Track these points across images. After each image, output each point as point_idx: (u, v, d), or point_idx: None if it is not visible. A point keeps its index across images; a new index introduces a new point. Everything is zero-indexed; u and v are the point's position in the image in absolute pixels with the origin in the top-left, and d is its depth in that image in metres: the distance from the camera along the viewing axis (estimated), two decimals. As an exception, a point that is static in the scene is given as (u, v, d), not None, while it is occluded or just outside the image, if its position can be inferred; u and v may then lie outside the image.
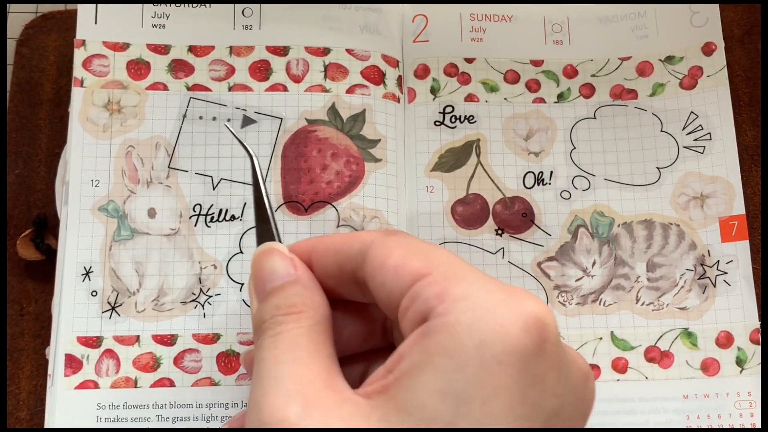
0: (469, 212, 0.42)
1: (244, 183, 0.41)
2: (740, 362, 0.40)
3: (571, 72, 0.44)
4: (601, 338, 0.41)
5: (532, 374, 0.23)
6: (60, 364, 0.38)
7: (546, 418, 0.23)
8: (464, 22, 0.45)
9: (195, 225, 0.40)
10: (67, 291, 0.39)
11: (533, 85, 0.44)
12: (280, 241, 0.30)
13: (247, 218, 0.40)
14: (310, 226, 0.40)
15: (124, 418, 0.38)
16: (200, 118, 0.41)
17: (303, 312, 0.27)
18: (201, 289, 0.39)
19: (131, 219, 0.40)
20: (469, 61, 0.44)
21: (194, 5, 0.43)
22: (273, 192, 0.41)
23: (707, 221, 0.42)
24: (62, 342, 0.38)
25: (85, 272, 0.39)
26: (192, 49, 0.42)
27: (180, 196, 0.40)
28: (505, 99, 0.44)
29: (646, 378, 0.40)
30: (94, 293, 0.39)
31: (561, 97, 0.44)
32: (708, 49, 0.44)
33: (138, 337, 0.39)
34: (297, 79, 0.42)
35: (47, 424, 0.38)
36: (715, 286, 0.41)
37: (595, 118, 0.44)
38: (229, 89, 0.42)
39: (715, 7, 0.44)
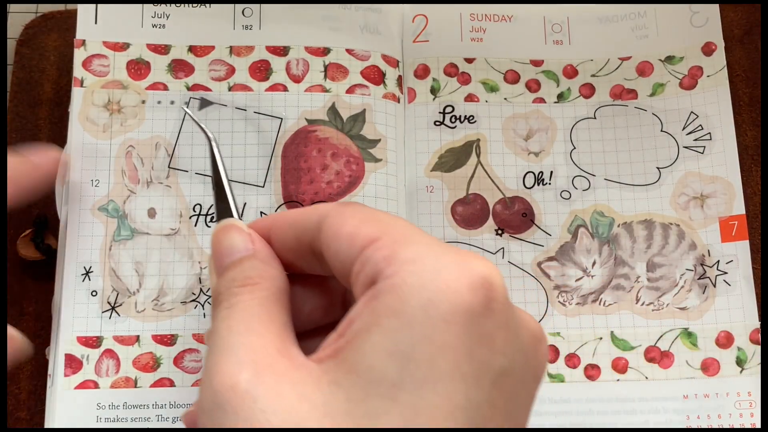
0: (469, 212, 0.42)
1: (244, 183, 0.41)
2: (740, 362, 0.40)
3: (571, 72, 0.44)
4: (601, 338, 0.41)
5: (479, 333, 0.23)
6: (60, 364, 0.38)
7: (494, 377, 0.23)
8: (464, 22, 0.45)
9: (195, 225, 0.40)
10: (67, 291, 0.39)
11: (533, 85, 0.44)
12: (240, 218, 0.30)
13: (247, 219, 0.40)
14: (310, 226, 0.40)
15: (124, 418, 0.38)
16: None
17: (258, 284, 0.27)
18: (201, 289, 0.39)
19: (131, 219, 0.40)
20: (469, 61, 0.44)
21: (194, 5, 0.43)
22: (273, 192, 0.41)
23: (707, 221, 0.42)
24: (62, 342, 0.38)
25: (85, 272, 0.39)
26: (192, 49, 0.42)
27: (180, 196, 0.40)
28: (505, 99, 0.44)
29: (646, 378, 0.40)
30: (94, 293, 0.39)
31: (561, 97, 0.44)
32: (708, 49, 0.44)
33: (138, 337, 0.39)
34: (297, 79, 0.42)
35: (47, 424, 0.38)
36: (715, 286, 0.41)
37: (595, 118, 0.44)
38: (229, 89, 0.42)
39: (715, 7, 0.44)
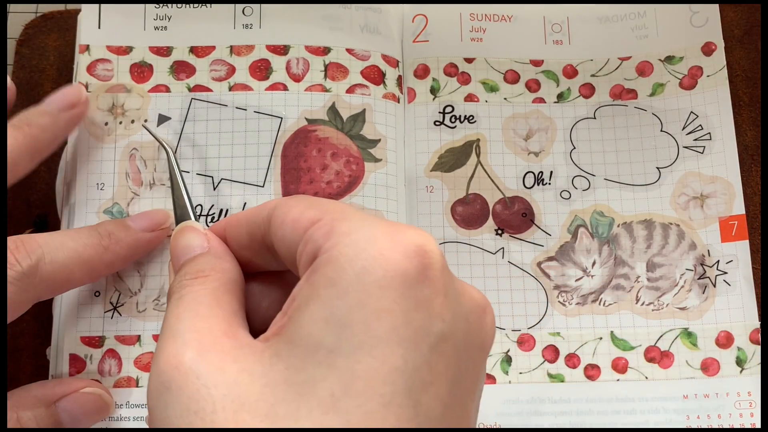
0: (469, 212, 0.42)
1: (244, 183, 0.41)
2: (740, 362, 0.40)
3: (571, 72, 0.44)
4: (601, 338, 0.41)
5: (415, 298, 0.23)
6: (64, 364, 0.38)
7: (433, 341, 0.23)
8: (464, 22, 0.45)
9: (196, 225, 0.40)
10: (70, 291, 0.39)
11: (533, 85, 0.44)
12: (196, 220, 0.32)
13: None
14: (311, 226, 0.40)
15: (126, 417, 0.38)
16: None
17: (209, 276, 0.27)
18: (202, 290, 0.40)
19: (133, 220, 0.40)
20: (469, 61, 0.44)
21: (195, 6, 0.43)
22: (273, 192, 0.41)
23: (707, 221, 0.42)
24: (66, 342, 0.38)
25: (87, 273, 0.39)
26: (193, 49, 0.42)
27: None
28: (505, 99, 0.44)
29: (646, 378, 0.40)
30: (96, 293, 0.39)
31: (561, 97, 0.44)
32: (708, 49, 0.44)
33: (139, 336, 0.39)
34: (297, 79, 0.42)
35: (48, 424, 0.38)
36: (715, 286, 0.41)
37: (595, 118, 0.44)
38: (230, 89, 0.42)
39: (715, 7, 0.44)
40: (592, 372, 0.40)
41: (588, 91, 0.44)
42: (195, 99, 0.41)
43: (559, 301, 0.41)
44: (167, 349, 0.24)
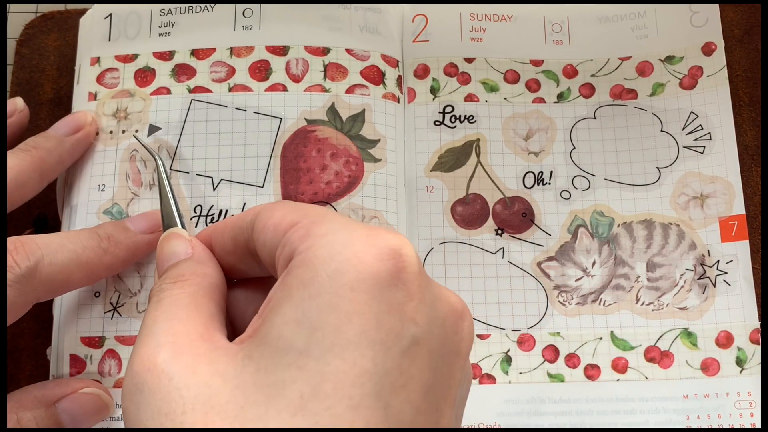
0: (469, 212, 0.42)
1: (244, 183, 0.41)
2: (740, 362, 0.40)
3: (571, 72, 0.44)
4: (601, 338, 0.41)
5: (387, 301, 0.23)
6: (65, 364, 0.38)
7: (406, 345, 0.23)
8: (464, 22, 0.45)
9: (195, 227, 0.40)
10: (71, 292, 0.39)
11: (533, 85, 0.44)
12: (184, 227, 0.33)
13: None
14: (311, 227, 0.40)
15: (126, 418, 0.38)
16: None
17: (188, 280, 0.28)
18: (202, 290, 0.40)
19: (133, 220, 0.40)
20: (469, 61, 0.44)
21: (197, 11, 0.43)
22: (273, 192, 0.41)
23: (707, 221, 0.42)
24: (67, 342, 0.38)
25: (88, 273, 0.39)
26: (194, 52, 0.42)
27: (181, 198, 0.40)
28: (505, 99, 0.44)
29: (646, 378, 0.40)
30: (97, 294, 0.39)
31: (561, 97, 0.44)
32: (708, 49, 0.44)
33: (139, 337, 0.39)
34: (297, 79, 0.42)
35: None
36: (715, 286, 0.41)
37: (595, 118, 0.44)
38: (230, 90, 0.42)
39: (715, 7, 0.44)
40: (592, 372, 0.40)
41: (588, 91, 0.44)
42: (195, 100, 0.41)
43: (559, 301, 0.41)
44: (142, 351, 0.24)
